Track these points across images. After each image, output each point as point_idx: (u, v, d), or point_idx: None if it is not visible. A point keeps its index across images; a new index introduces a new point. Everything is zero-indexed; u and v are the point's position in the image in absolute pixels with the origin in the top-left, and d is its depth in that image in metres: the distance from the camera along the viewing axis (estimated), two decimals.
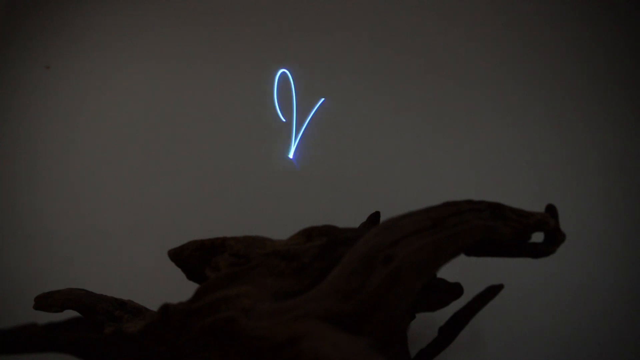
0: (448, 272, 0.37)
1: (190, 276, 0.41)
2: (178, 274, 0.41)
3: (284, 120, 0.66)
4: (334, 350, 0.25)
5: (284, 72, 0.69)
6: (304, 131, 0.67)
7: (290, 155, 0.64)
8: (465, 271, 0.43)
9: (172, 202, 0.66)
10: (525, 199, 0.41)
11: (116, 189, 0.67)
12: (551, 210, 0.37)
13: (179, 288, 0.38)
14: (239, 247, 0.37)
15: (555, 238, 0.36)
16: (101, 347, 0.30)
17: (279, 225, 0.42)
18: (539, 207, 0.37)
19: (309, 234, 0.37)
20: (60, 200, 0.67)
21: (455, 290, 0.42)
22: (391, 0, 0.70)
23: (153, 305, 0.38)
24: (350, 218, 0.43)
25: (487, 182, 0.64)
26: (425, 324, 0.45)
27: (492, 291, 0.39)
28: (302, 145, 0.67)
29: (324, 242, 0.35)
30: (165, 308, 0.31)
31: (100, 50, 0.72)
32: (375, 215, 0.44)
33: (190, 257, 0.40)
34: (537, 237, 0.36)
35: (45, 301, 0.41)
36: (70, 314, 0.37)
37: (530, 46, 0.68)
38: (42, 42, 0.72)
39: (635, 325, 0.57)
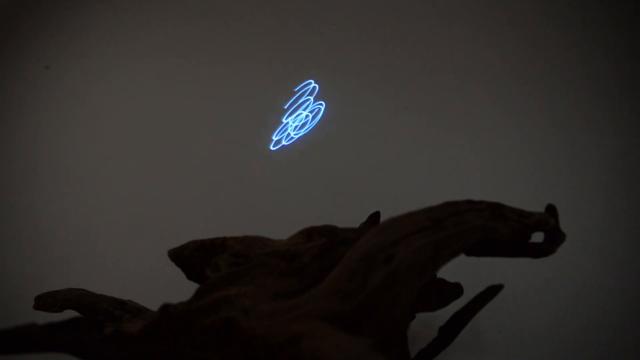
0: (448, 272, 0.37)
1: (190, 276, 0.41)
2: (178, 274, 0.41)
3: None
4: (334, 350, 0.25)
5: (285, 72, 0.69)
6: (304, 131, 0.67)
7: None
8: (465, 271, 0.43)
9: (172, 202, 0.66)
10: (525, 199, 0.41)
11: (116, 188, 0.67)
12: (551, 210, 0.37)
13: (179, 288, 0.38)
14: (239, 247, 0.37)
15: (555, 238, 0.36)
16: (101, 347, 0.30)
17: (279, 225, 0.42)
18: (539, 207, 0.37)
19: (309, 234, 0.37)
20: (59, 201, 0.67)
21: (455, 290, 0.42)
22: (393, 1, 0.70)
23: (153, 305, 0.38)
24: (350, 218, 0.43)
25: (487, 182, 0.64)
26: (425, 324, 0.45)
27: (492, 291, 0.39)
28: (302, 145, 0.67)
29: (324, 242, 0.35)
30: (165, 308, 0.31)
31: (99, 50, 0.72)
32: (375, 215, 0.44)
33: (190, 257, 0.40)
34: (537, 237, 0.36)
35: (45, 301, 0.41)
36: (70, 314, 0.37)
37: (531, 47, 0.68)
38: (42, 42, 0.72)
39: (636, 326, 0.57)
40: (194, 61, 0.71)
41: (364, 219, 0.44)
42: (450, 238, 0.32)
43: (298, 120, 0.67)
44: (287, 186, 0.66)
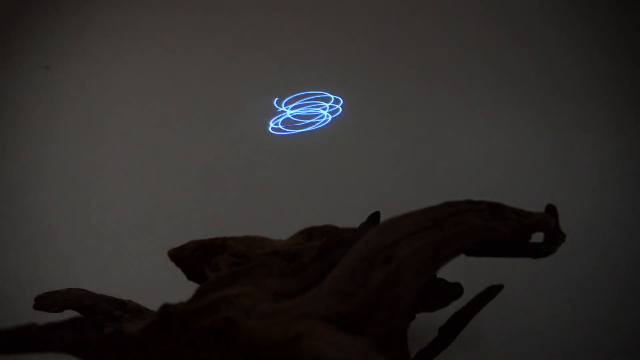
0: (448, 272, 0.37)
1: (190, 276, 0.41)
2: (178, 274, 0.41)
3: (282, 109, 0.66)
4: (334, 350, 0.25)
5: (284, 72, 0.69)
6: (304, 131, 0.67)
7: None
8: (465, 271, 0.43)
9: (172, 202, 0.66)
10: (525, 199, 0.41)
11: (116, 188, 0.67)
12: (551, 210, 0.37)
13: (179, 288, 0.38)
14: (239, 247, 0.37)
15: (555, 238, 0.36)
16: (101, 347, 0.30)
17: (279, 225, 0.42)
18: (538, 207, 0.37)
19: (309, 234, 0.37)
20: (60, 200, 0.67)
21: (455, 290, 0.42)
22: (390, 3, 0.70)
23: (153, 305, 0.38)
24: (350, 218, 0.43)
25: (487, 182, 0.64)
26: (425, 324, 0.45)
27: (492, 291, 0.39)
28: (303, 145, 0.67)
29: (324, 242, 0.35)
30: (165, 308, 0.31)
31: (100, 50, 0.71)
32: (375, 215, 0.44)
33: (190, 257, 0.40)
34: (537, 237, 0.36)
35: (45, 301, 0.41)
36: (70, 314, 0.37)
37: (529, 47, 0.68)
38: (42, 42, 0.72)
39: (635, 325, 0.57)
40: (196, 61, 0.71)
41: (364, 219, 0.44)
42: (450, 238, 0.32)
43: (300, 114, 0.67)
44: (287, 186, 0.66)
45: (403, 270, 0.30)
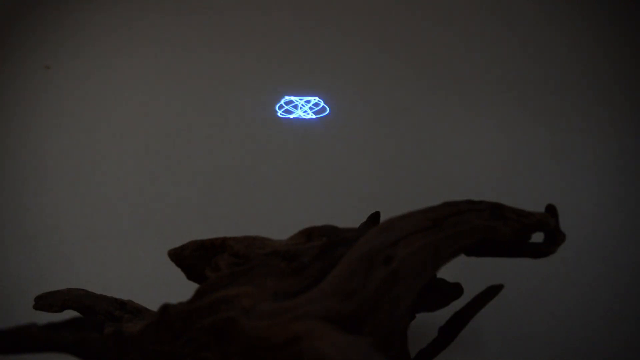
0: (448, 272, 0.37)
1: (190, 276, 0.41)
2: (178, 274, 0.41)
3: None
4: (334, 350, 0.25)
5: (284, 71, 0.69)
6: (304, 131, 0.67)
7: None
8: (465, 271, 0.43)
9: (172, 202, 0.66)
10: (525, 199, 0.41)
11: (116, 189, 0.67)
12: (551, 210, 0.37)
13: (179, 288, 0.38)
14: (239, 247, 0.37)
15: (555, 238, 0.36)
16: (101, 347, 0.30)
17: (279, 225, 0.42)
18: (538, 207, 0.37)
19: (309, 234, 0.37)
20: (60, 200, 0.67)
21: (455, 290, 0.42)
22: (391, 2, 0.70)
23: (153, 305, 0.38)
24: (350, 218, 0.43)
25: (486, 182, 0.64)
26: (425, 324, 0.45)
27: (492, 291, 0.39)
28: (303, 145, 0.67)
29: (324, 242, 0.35)
30: (165, 308, 0.31)
31: (100, 50, 0.71)
32: (375, 215, 0.44)
33: (190, 257, 0.40)
34: (537, 237, 0.36)
35: (45, 301, 0.41)
36: (70, 314, 0.37)
37: (529, 47, 0.68)
38: (42, 42, 0.72)
39: (635, 326, 0.57)
40: (197, 61, 0.71)
41: (364, 219, 0.44)
42: (450, 238, 0.32)
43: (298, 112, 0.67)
44: (288, 186, 0.66)
45: (403, 270, 0.30)
